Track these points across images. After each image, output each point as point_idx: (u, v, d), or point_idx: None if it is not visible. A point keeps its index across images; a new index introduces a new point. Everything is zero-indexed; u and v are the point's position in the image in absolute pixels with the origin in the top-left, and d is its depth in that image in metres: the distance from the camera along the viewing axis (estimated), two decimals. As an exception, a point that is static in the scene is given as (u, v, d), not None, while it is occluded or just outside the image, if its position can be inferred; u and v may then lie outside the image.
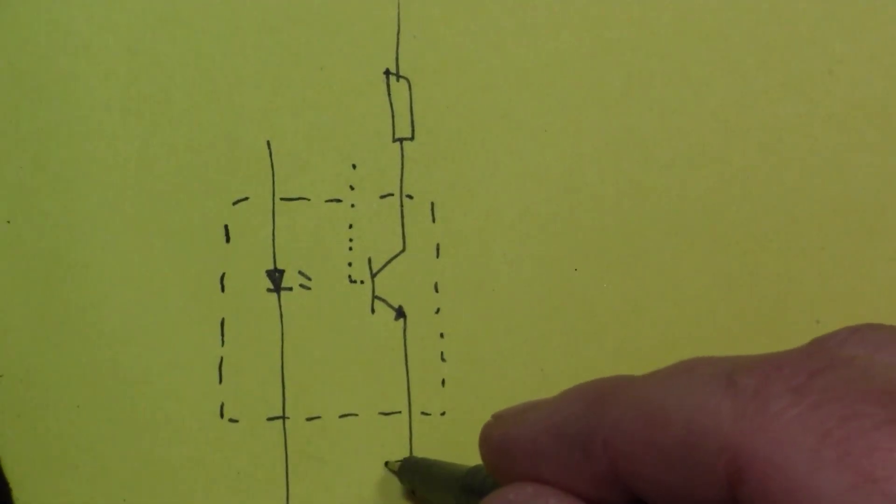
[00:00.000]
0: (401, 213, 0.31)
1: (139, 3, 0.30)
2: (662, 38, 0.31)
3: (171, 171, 0.30)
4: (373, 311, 0.30)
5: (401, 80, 0.31)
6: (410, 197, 0.31)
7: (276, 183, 0.30)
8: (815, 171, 0.31)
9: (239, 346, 0.30)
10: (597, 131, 0.31)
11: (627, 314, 0.31)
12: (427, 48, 0.31)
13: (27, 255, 0.30)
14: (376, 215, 0.31)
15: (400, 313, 0.31)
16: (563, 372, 0.30)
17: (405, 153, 0.31)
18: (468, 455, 0.30)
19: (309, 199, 0.30)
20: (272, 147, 0.30)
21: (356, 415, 0.30)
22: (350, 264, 0.31)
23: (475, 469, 0.25)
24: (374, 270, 0.31)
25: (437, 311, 0.31)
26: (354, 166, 0.31)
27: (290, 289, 0.30)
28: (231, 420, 0.30)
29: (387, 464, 0.30)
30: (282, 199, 0.30)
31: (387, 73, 0.31)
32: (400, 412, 0.30)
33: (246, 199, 0.30)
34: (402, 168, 0.31)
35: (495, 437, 0.22)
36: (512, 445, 0.21)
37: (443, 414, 0.30)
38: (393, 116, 0.31)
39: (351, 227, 0.31)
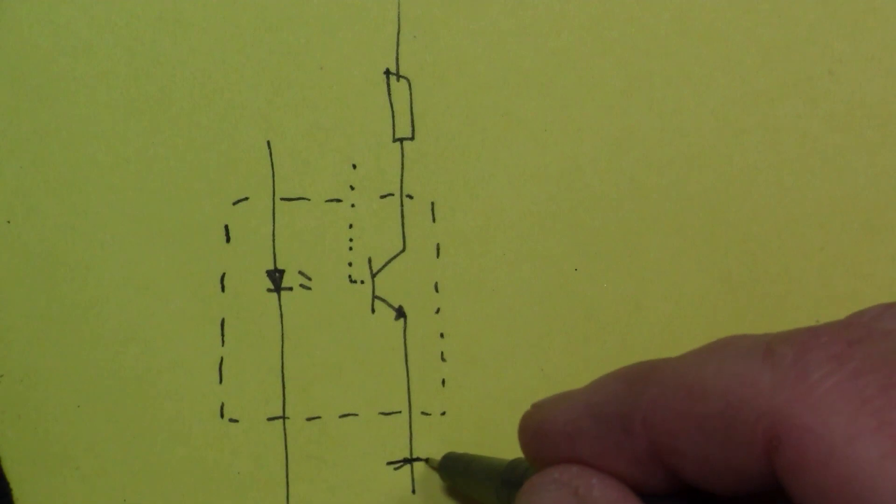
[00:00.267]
0: (401, 213, 0.31)
1: (139, 3, 0.30)
2: (662, 38, 0.31)
3: (171, 171, 0.30)
4: (373, 311, 0.31)
5: (401, 80, 0.31)
6: (410, 197, 0.31)
7: (276, 183, 0.30)
8: (815, 171, 0.31)
9: (239, 346, 0.30)
10: (597, 131, 0.31)
11: (627, 314, 0.31)
12: (427, 48, 0.31)
13: (27, 255, 0.30)
14: (376, 215, 0.31)
15: (400, 313, 0.31)
16: (563, 372, 0.31)
17: (405, 153, 0.31)
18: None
19: (309, 199, 0.30)
20: (272, 147, 0.30)
21: (356, 415, 0.30)
22: (350, 264, 0.31)
23: (515, 462, 0.25)
24: (374, 270, 0.31)
25: (437, 311, 0.31)
26: (354, 166, 0.31)
27: (290, 289, 0.30)
28: (231, 420, 0.30)
29: (427, 460, 0.30)
30: (282, 199, 0.30)
31: (387, 73, 0.31)
32: (400, 412, 0.30)
33: (246, 199, 0.30)
34: (402, 168, 0.31)
35: (534, 424, 0.22)
36: (551, 430, 0.21)
37: (443, 414, 0.30)
38: (393, 116, 0.31)
39: (351, 227, 0.31)
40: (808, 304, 0.30)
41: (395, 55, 0.31)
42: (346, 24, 0.31)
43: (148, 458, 0.30)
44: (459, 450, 0.30)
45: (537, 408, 0.22)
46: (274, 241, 0.30)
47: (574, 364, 0.31)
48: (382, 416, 0.30)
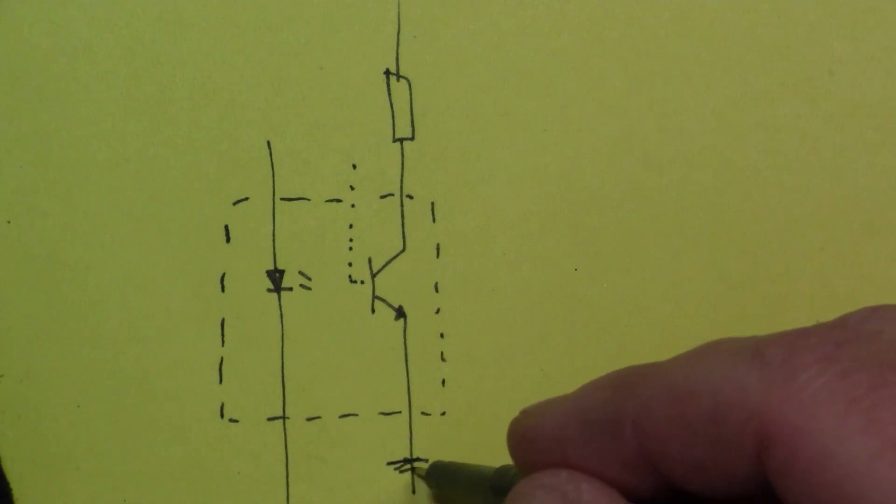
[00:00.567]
0: (401, 213, 0.31)
1: (139, 3, 0.30)
2: (662, 38, 0.31)
3: (171, 171, 0.30)
4: (373, 311, 0.30)
5: (401, 80, 0.31)
6: (410, 197, 0.31)
7: (276, 183, 0.30)
8: (815, 171, 0.31)
9: (239, 346, 0.30)
10: (597, 131, 0.31)
11: (627, 314, 0.31)
12: (427, 48, 0.31)
13: (27, 255, 0.30)
14: (376, 215, 0.31)
15: (400, 313, 0.31)
16: (563, 372, 0.30)
17: (405, 153, 0.31)
18: (468, 455, 0.30)
19: (309, 199, 0.30)
20: (272, 147, 0.30)
21: (356, 415, 0.30)
22: (350, 264, 0.31)
23: (503, 469, 0.25)
24: (374, 270, 0.31)
25: (437, 311, 0.31)
26: (354, 166, 0.31)
27: (290, 289, 0.30)
28: (231, 420, 0.30)
29: (414, 469, 0.30)
30: (282, 199, 0.30)
31: (387, 73, 0.31)
32: (400, 412, 0.30)
33: (246, 199, 0.30)
34: (402, 168, 0.31)
35: (522, 430, 0.22)
36: (540, 436, 0.21)
37: (443, 414, 0.30)
38: (393, 116, 0.31)
39: (351, 227, 0.31)
40: (808, 304, 0.30)
41: (395, 55, 0.31)
42: (346, 24, 0.31)
43: (148, 458, 0.30)
44: (459, 450, 0.30)
45: (525, 414, 0.22)
46: (274, 241, 0.30)
47: (574, 364, 0.30)
48: (382, 416, 0.30)
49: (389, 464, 0.30)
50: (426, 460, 0.30)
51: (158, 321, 0.30)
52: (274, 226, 0.30)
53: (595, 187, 0.31)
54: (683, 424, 0.18)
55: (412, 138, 0.31)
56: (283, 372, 0.30)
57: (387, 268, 0.31)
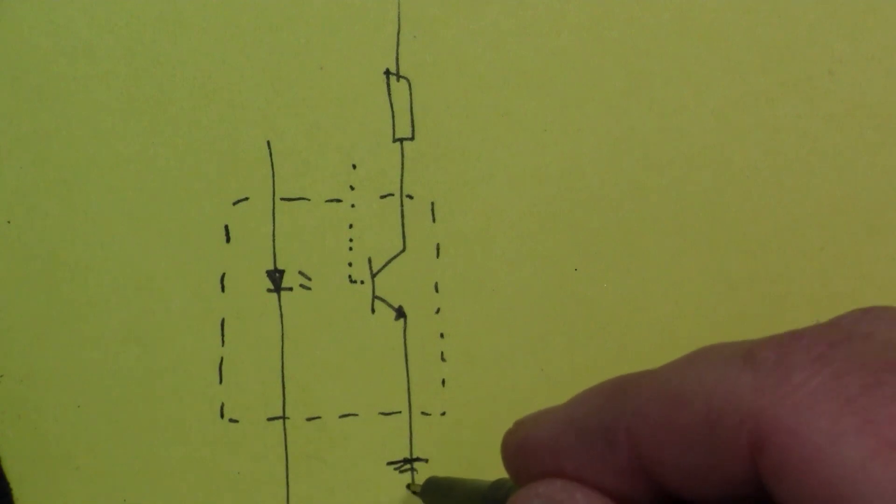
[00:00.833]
0: (401, 213, 0.31)
1: (139, 3, 0.30)
2: (662, 38, 0.31)
3: (171, 171, 0.30)
4: (373, 311, 0.30)
5: (401, 80, 0.31)
6: (410, 197, 0.31)
7: (276, 183, 0.30)
8: (815, 171, 0.31)
9: (239, 346, 0.30)
10: (597, 131, 0.31)
11: (627, 314, 0.31)
12: (427, 48, 0.31)
13: (27, 255, 0.30)
14: (376, 215, 0.31)
15: (400, 313, 0.31)
16: (563, 372, 0.31)
17: (405, 153, 0.31)
18: (469, 455, 0.30)
19: (309, 199, 0.30)
20: (272, 147, 0.30)
21: (356, 415, 0.30)
22: (350, 264, 0.31)
23: (499, 482, 0.25)
24: (374, 270, 0.31)
25: (437, 311, 0.31)
26: (354, 166, 0.31)
27: (290, 289, 0.30)
28: (231, 420, 0.30)
29: (409, 486, 0.30)
30: (282, 199, 0.30)
31: (387, 73, 0.31)
32: (400, 412, 0.30)
33: (246, 199, 0.30)
34: (402, 168, 0.31)
35: (517, 441, 0.22)
36: (534, 446, 0.21)
37: (443, 414, 0.30)
38: (393, 116, 0.31)
39: (351, 227, 0.31)
40: (808, 304, 0.30)
41: (395, 55, 0.31)
42: (346, 24, 0.31)
43: (148, 458, 0.30)
44: (459, 450, 0.30)
45: (519, 425, 0.22)
46: (274, 241, 0.30)
47: (574, 364, 0.31)
48: (382, 416, 0.30)
49: (389, 464, 0.30)
50: (426, 460, 0.30)
51: (158, 321, 0.30)
52: (274, 226, 0.30)
53: (595, 187, 0.31)
54: (677, 430, 0.18)
55: (412, 138, 0.31)
56: (283, 372, 0.30)
57: (387, 268, 0.31)
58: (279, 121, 0.30)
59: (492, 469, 0.30)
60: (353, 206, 0.31)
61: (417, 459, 0.30)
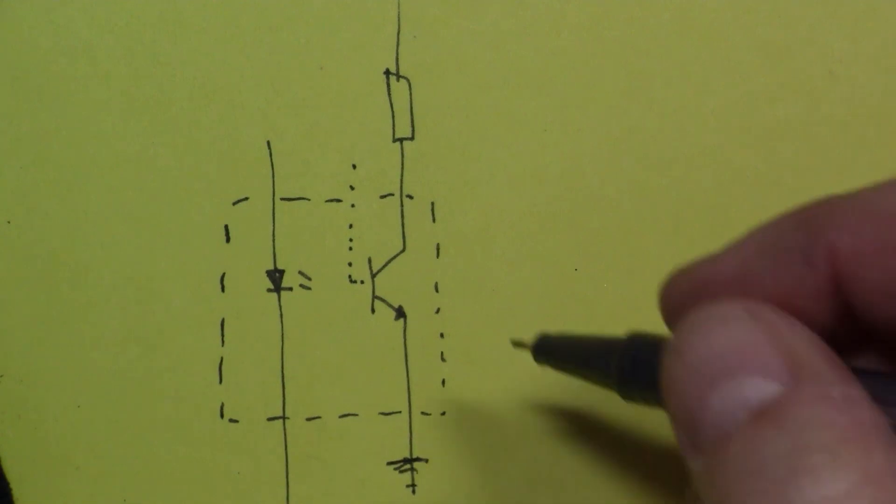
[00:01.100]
0: (401, 213, 0.31)
1: (139, 3, 0.30)
2: (662, 38, 0.31)
3: (171, 171, 0.30)
4: (373, 311, 0.31)
5: (401, 80, 0.31)
6: (410, 197, 0.31)
7: (276, 183, 0.30)
8: (815, 171, 0.31)
9: (239, 346, 0.30)
10: (597, 131, 0.31)
11: (627, 314, 0.30)
12: (427, 48, 0.31)
13: (27, 255, 0.30)
14: (376, 215, 0.31)
15: (400, 313, 0.31)
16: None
17: (405, 153, 0.31)
18: (469, 455, 0.30)
19: (309, 199, 0.30)
20: (272, 147, 0.30)
21: (356, 415, 0.30)
22: (350, 264, 0.31)
23: (636, 336, 0.23)
24: (374, 270, 0.31)
25: (437, 311, 0.31)
26: (354, 166, 0.31)
27: (290, 289, 0.30)
28: (231, 420, 0.30)
29: (513, 342, 0.28)
30: (282, 199, 0.30)
31: (387, 73, 0.31)
32: (400, 412, 0.30)
33: (246, 199, 0.30)
34: (402, 168, 0.31)
35: (690, 281, 0.20)
36: (716, 281, 0.19)
37: (443, 414, 0.30)
38: (393, 116, 0.31)
39: (351, 227, 0.31)
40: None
41: (395, 55, 0.31)
42: (346, 24, 0.31)
43: (148, 458, 0.30)
44: (460, 450, 0.30)
45: (686, 268, 0.20)
46: (274, 241, 0.30)
47: (574, 364, 0.31)
48: (382, 416, 0.30)
49: (389, 464, 0.30)
50: (426, 460, 0.30)
51: (158, 321, 0.30)
52: (274, 226, 0.30)
53: (595, 187, 0.31)
54: (888, 247, 0.17)
55: (412, 138, 0.31)
56: (283, 372, 0.30)
57: (387, 268, 0.31)
58: (279, 121, 0.30)
59: (492, 468, 0.30)
60: (353, 206, 0.31)
61: (417, 459, 0.30)
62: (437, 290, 0.31)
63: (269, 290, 0.30)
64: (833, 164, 0.31)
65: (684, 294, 0.20)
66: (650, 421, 0.30)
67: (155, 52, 0.30)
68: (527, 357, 0.30)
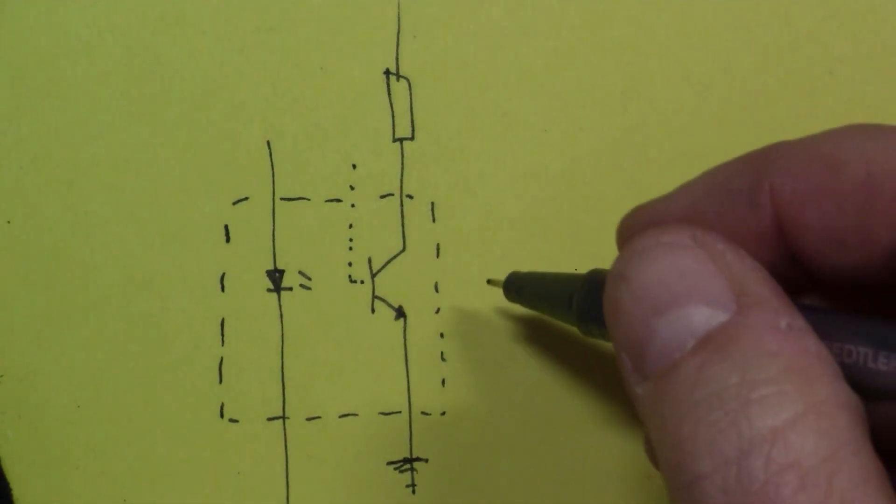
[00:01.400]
0: (401, 213, 0.31)
1: (139, 3, 0.30)
2: (662, 38, 0.31)
3: (171, 171, 0.30)
4: (373, 311, 0.31)
5: (401, 80, 0.31)
6: (410, 197, 0.31)
7: (276, 183, 0.30)
8: (815, 171, 0.31)
9: (239, 346, 0.30)
10: (597, 131, 0.31)
11: (627, 314, 0.30)
12: (427, 48, 0.31)
13: (27, 255, 0.30)
14: (376, 215, 0.31)
15: (400, 313, 0.31)
16: (564, 373, 0.31)
17: (405, 153, 0.31)
18: (469, 455, 0.30)
19: (309, 199, 0.30)
20: (272, 147, 0.30)
21: (356, 415, 0.30)
22: (350, 264, 0.31)
23: (596, 271, 0.23)
24: (374, 270, 0.31)
25: (437, 311, 0.31)
26: (354, 166, 0.31)
27: (290, 289, 0.30)
28: (231, 420, 0.30)
29: (489, 280, 0.29)
30: (282, 199, 0.30)
31: (387, 73, 0.31)
32: (400, 412, 0.30)
33: (246, 199, 0.30)
34: (402, 168, 0.31)
35: (645, 218, 0.20)
36: (667, 217, 0.19)
37: (443, 414, 0.30)
38: (393, 116, 0.31)
39: (351, 227, 0.31)
40: (808, 304, 0.30)
41: (395, 55, 0.31)
42: (346, 24, 0.31)
43: (148, 458, 0.30)
44: (460, 450, 0.30)
45: (642, 206, 0.20)
46: (274, 241, 0.30)
47: (574, 364, 0.31)
48: (382, 416, 0.30)
49: (389, 464, 0.30)
50: (426, 460, 0.30)
51: (158, 321, 0.30)
52: (274, 226, 0.30)
53: (595, 187, 0.31)
54: (830, 192, 0.17)
55: (412, 138, 0.31)
56: (283, 372, 0.30)
57: (387, 268, 0.31)
58: (279, 121, 0.30)
59: (492, 468, 0.30)
60: (353, 206, 0.31)
61: (417, 459, 0.30)
62: (437, 290, 0.31)
63: (269, 290, 0.30)
64: (833, 164, 0.31)
65: (637, 230, 0.20)
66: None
67: (155, 52, 0.30)
68: (527, 357, 0.30)
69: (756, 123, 0.31)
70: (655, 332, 0.17)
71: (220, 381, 0.30)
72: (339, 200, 0.31)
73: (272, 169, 0.30)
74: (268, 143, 0.30)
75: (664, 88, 0.31)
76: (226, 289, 0.30)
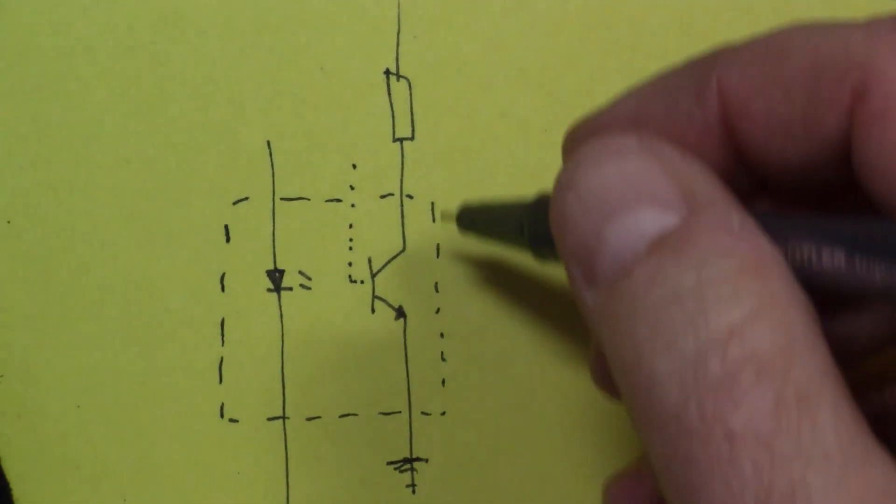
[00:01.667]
0: (401, 213, 0.31)
1: (139, 3, 0.30)
2: (662, 38, 0.31)
3: (171, 171, 0.30)
4: (373, 311, 0.31)
5: (401, 80, 0.31)
6: (410, 197, 0.31)
7: (276, 183, 0.30)
8: (815, 171, 0.31)
9: (239, 346, 0.30)
10: (597, 131, 0.31)
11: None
12: (427, 48, 0.31)
13: (27, 255, 0.30)
14: (376, 215, 0.31)
15: (400, 313, 0.31)
16: (564, 373, 0.31)
17: (405, 153, 0.31)
18: (469, 455, 0.30)
19: (309, 199, 0.30)
20: (272, 147, 0.30)
21: (356, 415, 0.30)
22: (350, 264, 0.31)
23: (543, 194, 0.23)
24: (374, 270, 0.31)
25: (438, 311, 0.31)
26: (354, 166, 0.31)
27: (290, 289, 0.30)
28: (231, 420, 0.30)
29: (442, 214, 0.29)
30: (282, 199, 0.30)
31: (387, 73, 0.31)
32: (400, 412, 0.30)
33: (246, 199, 0.30)
34: (402, 168, 0.31)
35: (591, 125, 0.20)
36: (613, 121, 0.19)
37: (443, 414, 0.30)
38: (393, 116, 0.31)
39: (351, 227, 0.31)
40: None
41: (395, 55, 0.31)
42: (346, 25, 0.31)
43: (148, 458, 0.30)
44: (460, 450, 0.30)
45: (588, 116, 0.20)
46: (274, 241, 0.30)
47: (574, 364, 0.31)
48: (382, 416, 0.30)
49: (389, 464, 0.30)
50: (426, 460, 0.30)
51: (158, 321, 0.30)
52: (274, 226, 0.30)
53: (595, 187, 0.31)
54: (775, 80, 0.17)
55: (412, 138, 0.31)
56: (283, 372, 0.30)
57: (387, 268, 0.31)
58: (279, 121, 0.30)
59: (492, 469, 0.30)
60: (353, 206, 0.31)
61: (417, 459, 0.30)
62: (437, 290, 0.31)
63: (269, 290, 0.30)
64: (833, 164, 0.31)
65: (583, 136, 0.20)
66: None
67: (155, 52, 0.30)
68: (526, 357, 0.30)
69: (756, 123, 0.31)
70: (605, 239, 0.17)
71: (220, 381, 0.30)
72: (339, 200, 0.31)
73: (272, 169, 0.30)
74: (268, 143, 0.30)
75: (664, 88, 0.31)
76: (226, 289, 0.30)
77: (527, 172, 0.31)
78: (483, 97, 0.31)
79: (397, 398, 0.30)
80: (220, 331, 0.30)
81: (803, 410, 0.14)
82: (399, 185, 0.31)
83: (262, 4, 0.30)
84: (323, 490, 0.30)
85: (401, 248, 0.31)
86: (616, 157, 0.17)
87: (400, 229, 0.31)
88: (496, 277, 0.31)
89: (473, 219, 0.28)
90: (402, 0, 0.31)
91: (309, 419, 0.30)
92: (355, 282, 0.31)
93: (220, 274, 0.30)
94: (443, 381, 0.30)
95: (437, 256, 0.31)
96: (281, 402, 0.30)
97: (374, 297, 0.31)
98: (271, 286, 0.30)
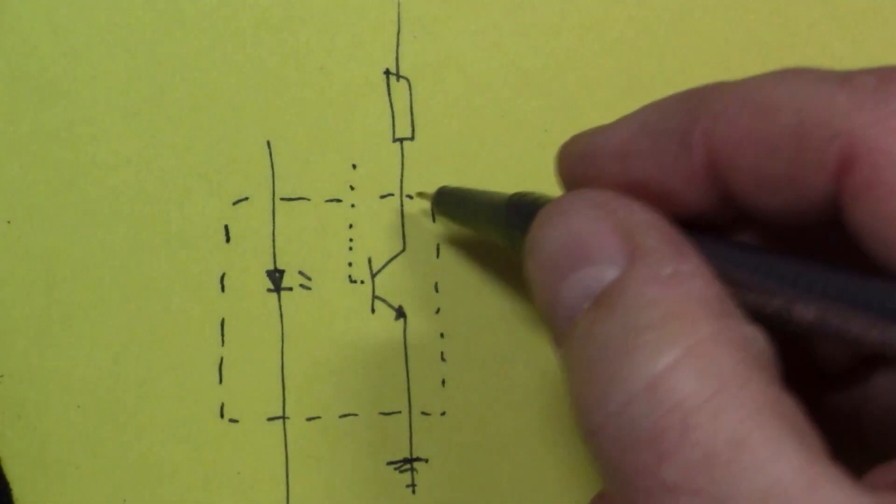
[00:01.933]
0: (401, 213, 0.31)
1: (139, 3, 0.30)
2: (662, 38, 0.31)
3: (171, 171, 0.30)
4: (373, 311, 0.31)
5: (401, 80, 0.31)
6: (410, 197, 0.31)
7: (276, 183, 0.30)
8: (815, 171, 0.31)
9: (239, 346, 0.30)
10: (597, 131, 0.31)
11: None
12: (427, 48, 0.31)
13: (27, 255, 0.30)
14: (376, 215, 0.31)
15: (400, 313, 0.31)
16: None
17: (405, 153, 0.31)
18: (469, 456, 0.30)
19: (309, 199, 0.30)
20: (272, 147, 0.30)
21: (356, 415, 0.30)
22: (350, 264, 0.31)
23: (520, 193, 0.24)
24: (374, 270, 0.31)
25: (438, 311, 0.31)
26: (354, 166, 0.31)
27: (290, 289, 0.30)
28: (231, 420, 0.30)
29: (420, 193, 0.30)
30: (282, 199, 0.30)
31: (387, 73, 0.31)
32: (400, 412, 0.30)
33: (246, 199, 0.30)
34: (402, 168, 0.31)
35: (582, 147, 0.20)
36: (599, 152, 0.20)
37: (443, 414, 0.30)
38: (393, 116, 0.31)
39: (351, 227, 0.31)
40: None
41: (395, 55, 0.31)
42: (346, 24, 0.31)
43: (148, 458, 0.30)
44: (460, 450, 0.30)
45: (582, 134, 0.21)
46: (274, 241, 0.30)
47: (574, 364, 0.30)
48: (382, 416, 0.30)
49: (389, 464, 0.30)
50: (426, 460, 0.30)
51: (158, 321, 0.30)
52: (274, 226, 0.30)
53: (595, 187, 0.31)
54: (761, 137, 0.17)
55: (412, 138, 0.31)
56: (283, 372, 0.30)
57: (387, 268, 0.31)
58: (279, 121, 0.30)
59: (492, 469, 0.30)
60: (353, 206, 0.31)
61: (417, 459, 0.30)
62: (437, 290, 0.31)
63: (269, 290, 0.30)
64: (833, 164, 0.31)
65: (574, 159, 0.21)
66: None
67: (155, 52, 0.30)
68: (526, 357, 0.30)
69: (756, 123, 0.31)
70: (558, 298, 0.18)
71: (220, 381, 0.30)
72: (339, 200, 0.31)
73: (272, 169, 0.30)
74: (268, 143, 0.30)
75: (664, 88, 0.31)
76: (226, 289, 0.30)
77: (527, 172, 0.31)
78: (483, 97, 0.31)
79: (397, 398, 0.30)
80: (220, 331, 0.30)
81: (734, 455, 0.14)
82: (399, 185, 0.31)
83: (262, 4, 0.30)
84: (323, 490, 0.30)
85: (401, 248, 0.31)
86: (566, 217, 0.18)
87: (400, 229, 0.31)
88: (496, 277, 0.31)
89: (448, 203, 0.28)
90: (402, 0, 0.31)
91: (309, 419, 0.30)
92: (355, 282, 0.31)
93: (220, 274, 0.30)
94: (443, 381, 0.30)
95: (437, 256, 0.31)
96: (281, 402, 0.30)
97: (374, 297, 0.31)
98: (271, 286, 0.30)
